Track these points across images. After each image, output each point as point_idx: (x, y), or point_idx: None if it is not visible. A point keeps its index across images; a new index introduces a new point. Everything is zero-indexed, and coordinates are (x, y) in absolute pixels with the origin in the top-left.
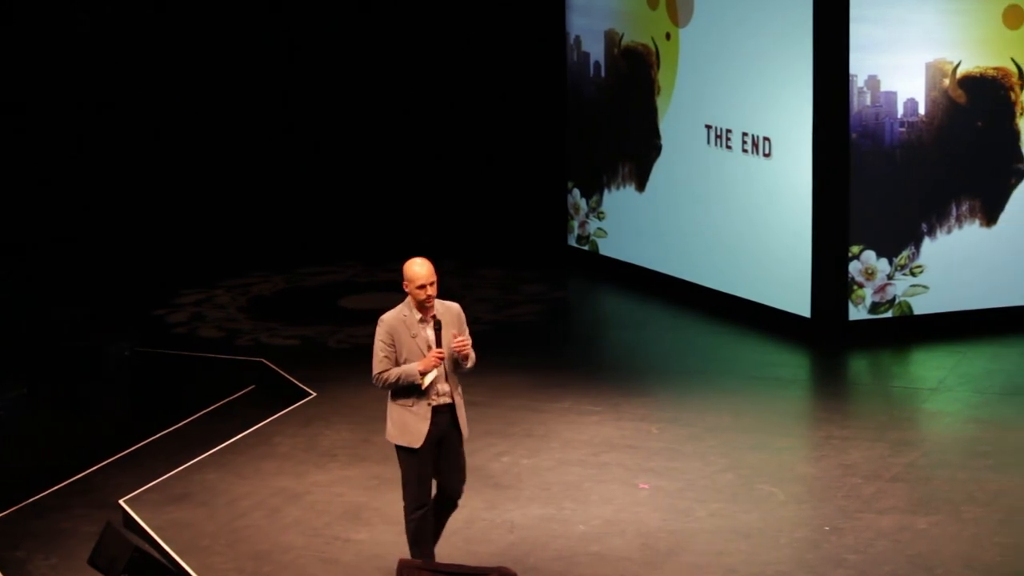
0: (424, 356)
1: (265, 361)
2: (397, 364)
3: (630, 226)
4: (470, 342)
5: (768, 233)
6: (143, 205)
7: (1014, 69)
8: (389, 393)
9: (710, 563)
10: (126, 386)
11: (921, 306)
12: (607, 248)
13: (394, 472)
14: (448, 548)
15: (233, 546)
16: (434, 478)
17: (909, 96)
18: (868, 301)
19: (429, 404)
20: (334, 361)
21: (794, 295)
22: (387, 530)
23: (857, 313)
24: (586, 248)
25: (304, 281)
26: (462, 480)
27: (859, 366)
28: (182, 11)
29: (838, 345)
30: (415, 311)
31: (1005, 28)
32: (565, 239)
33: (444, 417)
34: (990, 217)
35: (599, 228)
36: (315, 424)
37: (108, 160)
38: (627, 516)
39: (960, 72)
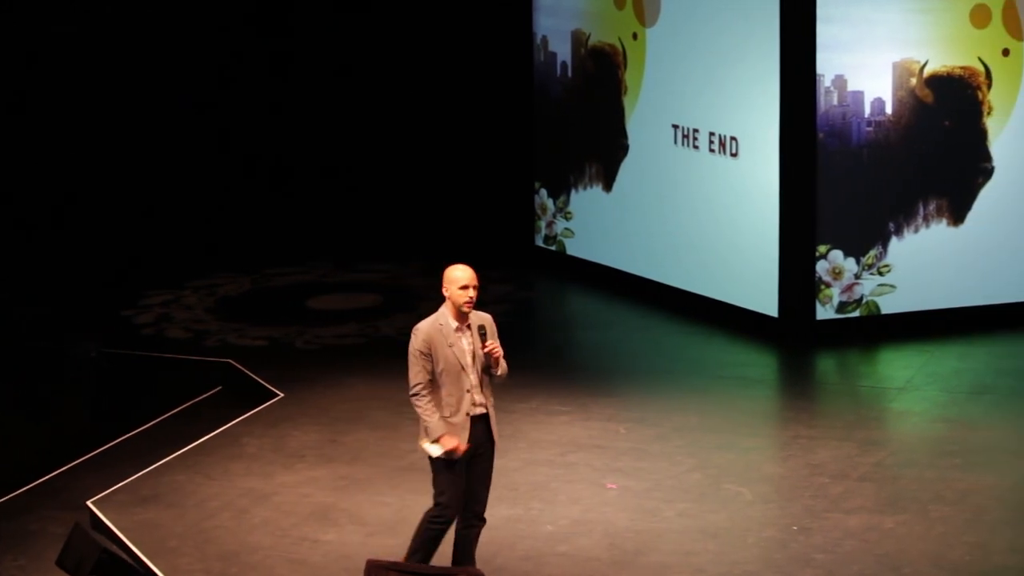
0: (460, 367)
1: (233, 362)
2: (433, 375)
3: (597, 226)
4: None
5: (735, 233)
6: (111, 205)
7: (981, 68)
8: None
9: (678, 563)
10: (94, 387)
11: (888, 305)
12: (574, 248)
13: (361, 473)
14: None
15: (201, 547)
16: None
17: (876, 96)
18: (835, 300)
19: (468, 415)
20: (302, 362)
21: (761, 295)
22: (355, 531)
23: (824, 312)
24: (553, 248)
25: (271, 282)
26: (486, 498)
27: (826, 365)
28: (148, 12)
29: (805, 344)
30: (451, 319)
31: (972, 27)
32: (532, 239)
33: (479, 427)
34: (957, 216)
35: (566, 228)
36: (283, 425)
37: (76, 160)
38: (595, 516)
39: (927, 71)
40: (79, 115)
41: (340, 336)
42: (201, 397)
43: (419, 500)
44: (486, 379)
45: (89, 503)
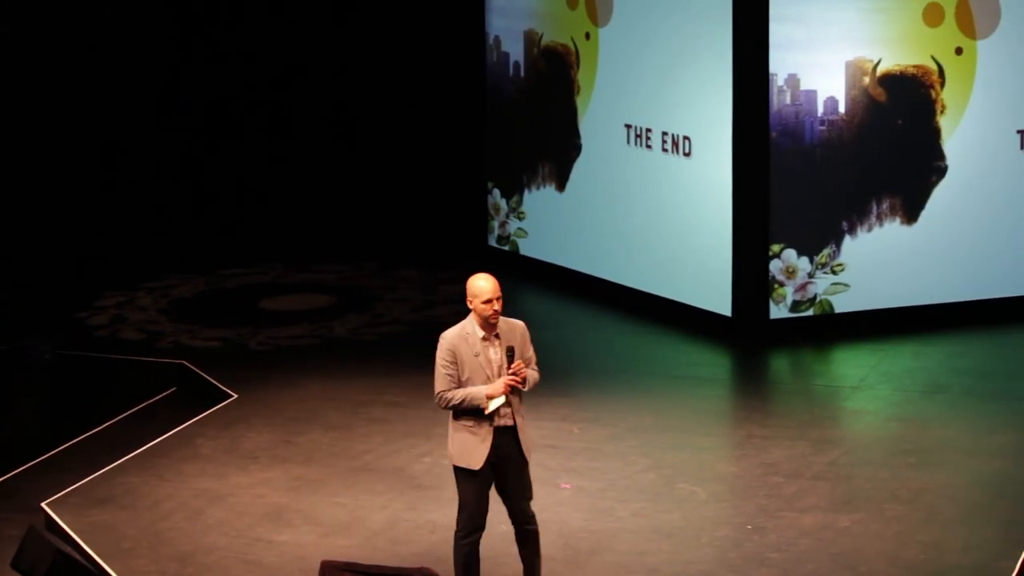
0: (487, 376)
1: (186, 363)
2: (459, 384)
3: (550, 226)
4: (525, 365)
5: (688, 232)
6: (63, 207)
7: (934, 67)
8: (451, 413)
9: (632, 563)
10: (48, 389)
11: (842, 304)
12: (527, 248)
13: (315, 473)
14: (370, 549)
15: (156, 548)
16: (504, 503)
17: (829, 95)
18: (789, 300)
19: (491, 426)
20: (255, 363)
21: (715, 294)
22: (309, 531)
23: (778, 312)
24: (506, 248)
25: (225, 282)
26: (527, 501)
27: (780, 365)
28: (101, 13)
29: (759, 344)
30: (478, 329)
31: (925, 26)
32: (485, 239)
33: (505, 439)
34: (911, 215)
35: (519, 228)
36: (236, 426)
37: (26, 162)
38: (549, 516)
39: (880, 70)
40: (30, 115)
41: (294, 337)
42: (155, 398)
43: (373, 500)
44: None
45: (43, 505)
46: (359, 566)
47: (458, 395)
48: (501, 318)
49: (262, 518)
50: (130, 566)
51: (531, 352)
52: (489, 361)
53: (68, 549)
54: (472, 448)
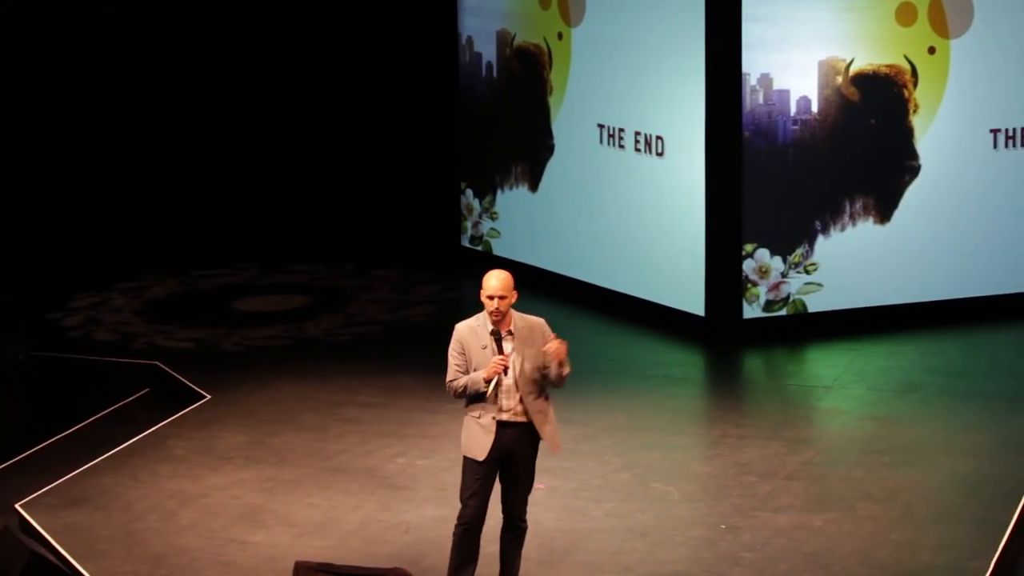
0: None
1: (160, 364)
2: (468, 374)
3: (523, 226)
4: (562, 351)
5: (661, 232)
6: (36, 208)
7: (907, 67)
8: (464, 404)
9: (606, 562)
10: (21, 390)
11: (815, 304)
12: (501, 248)
13: (289, 474)
14: (343, 550)
15: (130, 549)
16: (502, 496)
17: (802, 94)
18: (762, 299)
19: (494, 418)
20: (229, 364)
21: (688, 294)
22: (283, 532)
23: (751, 311)
24: (480, 248)
25: (198, 283)
26: (524, 501)
27: (754, 364)
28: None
29: (732, 343)
30: (488, 322)
31: (898, 25)
32: (458, 240)
33: (511, 434)
34: (884, 215)
35: (492, 228)
36: (210, 427)
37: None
38: None
39: (853, 70)
40: (3, 115)
41: (267, 338)
42: (129, 399)
43: (347, 501)
44: (534, 386)
45: (17, 506)
46: (333, 567)
47: (461, 382)
48: (519, 315)
49: (236, 519)
50: (104, 567)
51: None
52: (496, 354)
53: (42, 550)
54: (478, 439)
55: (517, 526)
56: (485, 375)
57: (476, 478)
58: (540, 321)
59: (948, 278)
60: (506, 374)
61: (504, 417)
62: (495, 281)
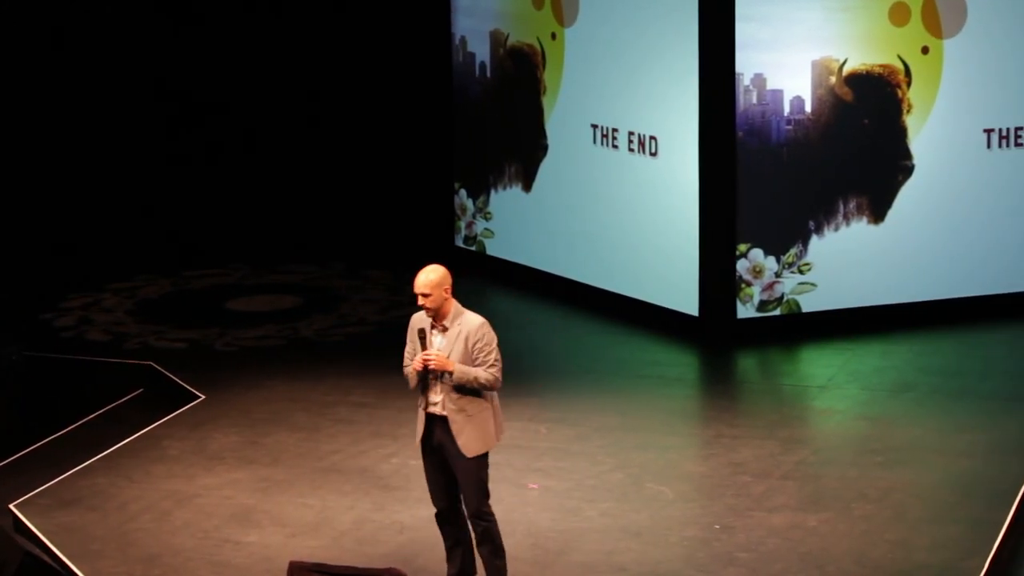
0: None
1: (153, 364)
2: None
3: (517, 226)
4: (440, 361)
5: (655, 232)
6: (28, 208)
7: (900, 66)
8: None
9: (600, 562)
10: (14, 390)
11: (809, 304)
12: (494, 248)
13: (282, 474)
14: (337, 550)
15: (124, 550)
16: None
17: (795, 94)
18: (756, 299)
19: (424, 409)
20: (222, 364)
21: (682, 294)
22: (276, 532)
23: (745, 311)
24: (473, 249)
25: (191, 283)
26: (469, 497)
27: (748, 364)
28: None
29: (726, 343)
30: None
31: (891, 25)
32: (452, 240)
33: (437, 427)
34: (878, 214)
35: (486, 228)
36: (204, 427)
37: None
38: (517, 516)
39: (846, 70)
40: None
41: (260, 338)
42: (122, 400)
43: (340, 501)
44: (450, 383)
45: (11, 507)
46: (327, 567)
47: (407, 370)
48: (462, 313)
49: (229, 519)
50: (98, 567)
51: (485, 354)
52: (432, 346)
53: (36, 550)
54: (417, 428)
55: (476, 526)
56: (413, 367)
57: (425, 467)
58: (476, 324)
59: (942, 278)
60: (426, 369)
61: (432, 410)
62: (419, 278)
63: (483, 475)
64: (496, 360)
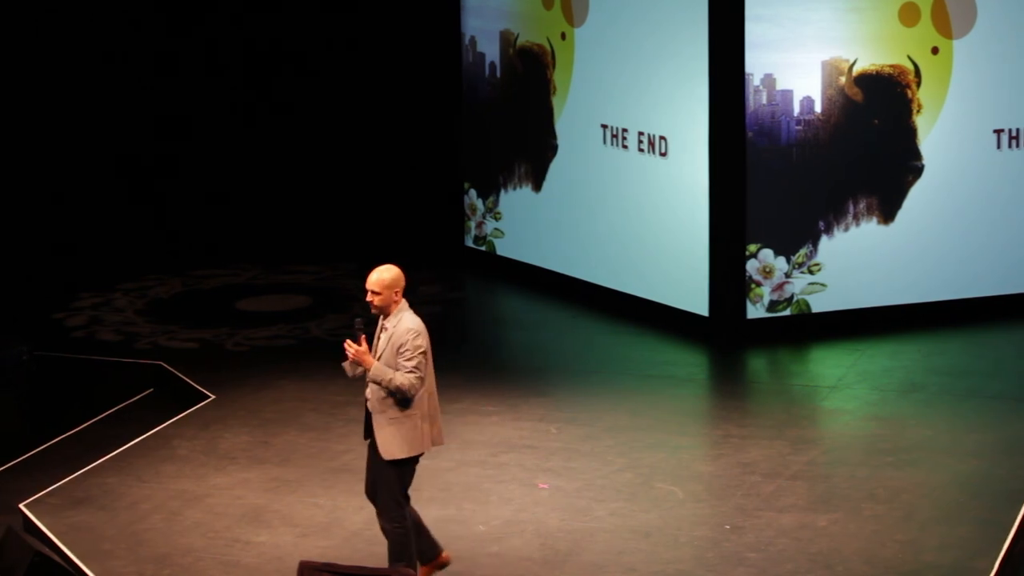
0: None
1: (163, 364)
2: None
3: (527, 226)
4: (358, 354)
5: (665, 232)
6: (40, 207)
7: (910, 67)
8: None
9: (610, 562)
10: (25, 390)
11: (819, 304)
12: (504, 248)
13: (293, 474)
14: (348, 550)
15: (134, 549)
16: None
17: (805, 94)
18: (766, 299)
19: (366, 403)
20: (232, 364)
21: (692, 294)
22: (287, 532)
23: (755, 311)
24: (483, 249)
25: (201, 284)
26: (379, 497)
27: (757, 364)
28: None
29: (736, 343)
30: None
31: (901, 25)
32: (462, 240)
33: (369, 422)
34: (887, 214)
35: (496, 228)
36: (214, 427)
37: (2, 161)
38: (527, 516)
39: (856, 70)
40: (5, 116)
41: (270, 338)
42: (132, 399)
43: (351, 501)
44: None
45: (21, 506)
46: (337, 567)
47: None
48: (404, 316)
49: (240, 519)
50: (108, 567)
51: (405, 359)
52: (378, 343)
53: (46, 550)
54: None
55: (381, 524)
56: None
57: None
58: (405, 327)
59: (952, 278)
60: (352, 365)
61: (367, 405)
62: (372, 276)
63: (398, 478)
64: (415, 367)
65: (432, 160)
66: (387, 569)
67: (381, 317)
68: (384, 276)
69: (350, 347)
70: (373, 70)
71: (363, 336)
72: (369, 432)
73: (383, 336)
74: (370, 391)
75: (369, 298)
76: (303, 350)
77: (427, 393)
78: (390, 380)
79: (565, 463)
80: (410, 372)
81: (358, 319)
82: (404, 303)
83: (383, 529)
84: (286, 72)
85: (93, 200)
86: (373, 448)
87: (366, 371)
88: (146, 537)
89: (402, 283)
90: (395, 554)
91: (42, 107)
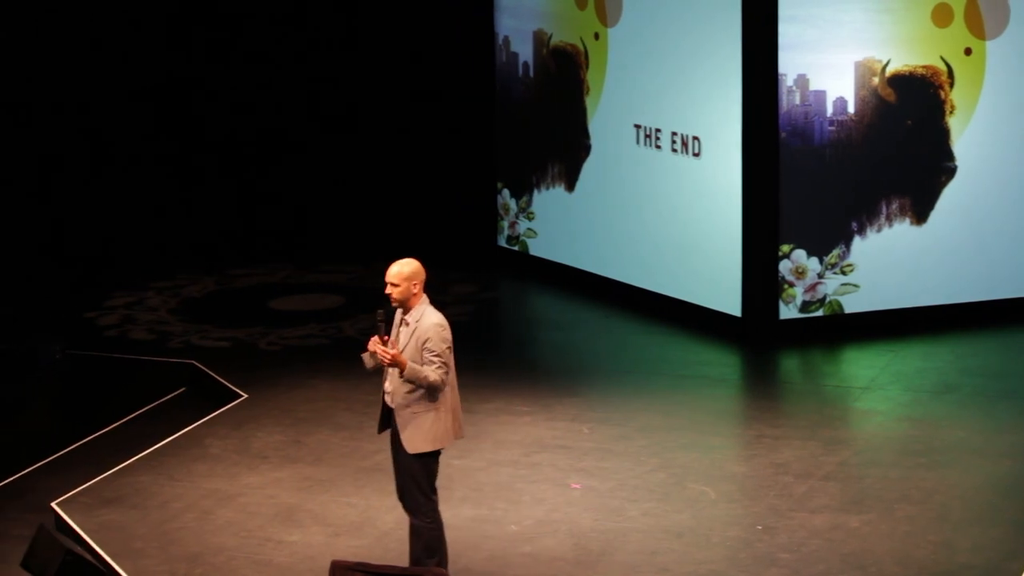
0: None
1: (196, 363)
2: None
3: (560, 226)
4: (393, 357)
5: (698, 232)
6: (73, 206)
7: (943, 67)
8: None
9: (643, 563)
10: (57, 389)
11: (852, 305)
12: (537, 248)
13: (325, 474)
14: (380, 550)
15: (165, 548)
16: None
17: (838, 95)
18: (799, 300)
19: (383, 397)
20: (265, 363)
21: (725, 294)
22: (319, 531)
23: (788, 312)
24: (516, 248)
25: (234, 283)
26: (405, 492)
27: (790, 365)
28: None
29: (769, 344)
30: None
31: (934, 26)
32: (495, 240)
33: (390, 418)
34: (920, 215)
35: (529, 228)
36: (246, 426)
37: (34, 161)
38: (559, 516)
39: (889, 71)
40: (36, 114)
41: (303, 337)
42: (165, 398)
43: (384, 501)
44: (401, 380)
45: (53, 505)
46: (370, 566)
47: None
48: (427, 310)
49: (272, 518)
50: (140, 566)
51: (432, 355)
52: (399, 337)
53: (78, 549)
54: (380, 412)
55: (409, 514)
56: (369, 348)
57: (392, 454)
58: (429, 323)
59: (984, 279)
60: (373, 358)
61: (387, 399)
62: (392, 268)
63: (424, 473)
64: (443, 363)
65: (465, 160)
66: (420, 568)
67: (400, 311)
68: (403, 268)
69: (380, 348)
70: (406, 70)
71: (382, 327)
72: (384, 427)
73: (404, 331)
74: (392, 386)
75: (388, 290)
76: (336, 349)
77: (449, 387)
78: (424, 378)
79: (598, 463)
80: (439, 367)
81: (379, 310)
82: (425, 298)
83: (412, 522)
84: (320, 73)
85: (127, 199)
86: (396, 446)
87: (400, 371)
88: (178, 536)
89: (422, 276)
90: (427, 551)
91: (79, 103)
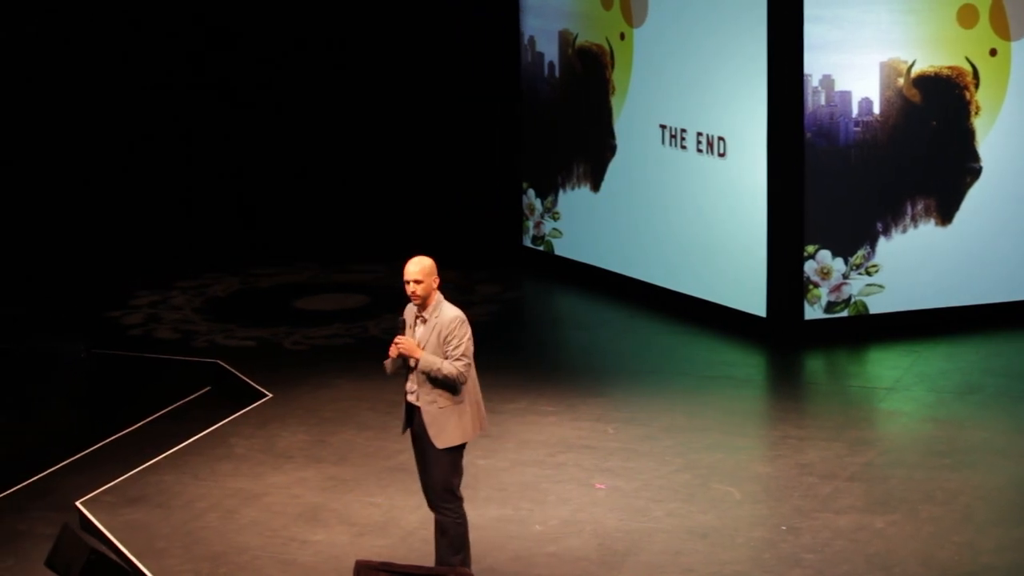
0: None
1: (221, 362)
2: None
3: (585, 226)
4: (407, 345)
5: (723, 233)
6: (99, 205)
7: (968, 68)
8: None
9: (667, 563)
10: (82, 388)
11: (877, 305)
12: (562, 248)
13: (350, 473)
14: (405, 549)
15: (189, 548)
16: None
17: (864, 95)
18: (824, 300)
19: (406, 397)
20: (290, 362)
21: (750, 295)
22: (344, 531)
23: (813, 312)
24: (541, 248)
25: (259, 282)
26: (431, 489)
27: (815, 365)
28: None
29: (794, 344)
30: (415, 305)
31: (959, 27)
32: (520, 240)
33: (414, 416)
34: (945, 216)
35: (554, 228)
36: (271, 425)
37: (59, 160)
38: (584, 516)
39: (915, 71)
40: (63, 114)
41: (328, 337)
42: (189, 398)
43: (408, 500)
44: (425, 377)
45: (78, 504)
46: (394, 566)
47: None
48: (444, 306)
49: (296, 518)
50: (164, 565)
51: (453, 347)
52: (415, 334)
53: (102, 548)
54: (403, 413)
55: (436, 519)
56: (390, 352)
57: (415, 455)
58: (449, 317)
59: (1009, 280)
60: (398, 358)
61: (410, 399)
62: (411, 266)
63: (451, 467)
64: (463, 355)
65: (491, 160)
66: (444, 568)
67: (416, 308)
68: (424, 263)
69: (400, 340)
70: (432, 70)
71: (403, 325)
72: (408, 425)
73: (423, 328)
74: (415, 383)
75: (412, 288)
76: (361, 349)
77: (471, 381)
78: (438, 369)
79: (623, 463)
80: (459, 360)
81: (403, 319)
82: (439, 294)
83: (438, 518)
84: (345, 72)
85: (153, 198)
86: (419, 445)
87: (415, 363)
88: (202, 535)
89: (436, 271)
90: (450, 543)
91: (108, 104)
